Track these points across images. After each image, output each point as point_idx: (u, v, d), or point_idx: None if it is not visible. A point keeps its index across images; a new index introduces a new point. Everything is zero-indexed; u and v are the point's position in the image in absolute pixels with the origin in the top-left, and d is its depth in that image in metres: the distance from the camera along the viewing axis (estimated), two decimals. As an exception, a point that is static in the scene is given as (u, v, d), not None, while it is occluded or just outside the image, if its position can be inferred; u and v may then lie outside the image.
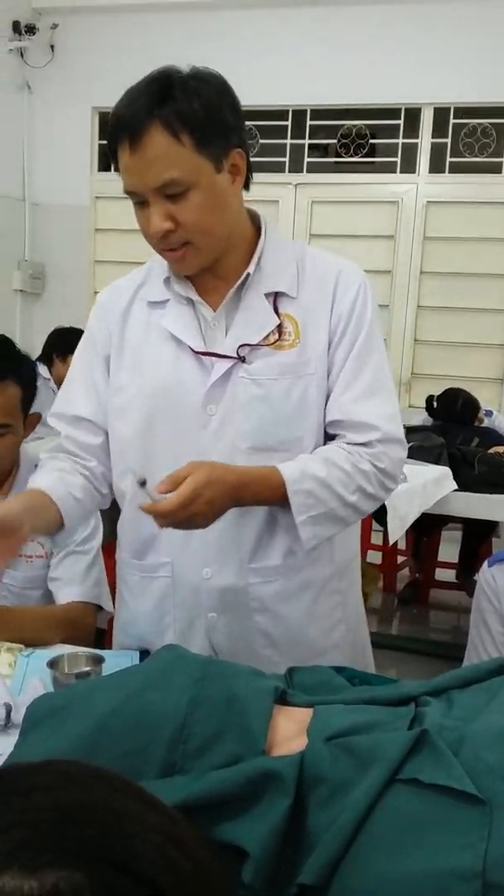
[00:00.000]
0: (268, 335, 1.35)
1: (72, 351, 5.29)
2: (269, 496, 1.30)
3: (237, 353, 1.34)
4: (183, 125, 1.20)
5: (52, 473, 1.41)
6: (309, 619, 1.42)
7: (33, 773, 0.47)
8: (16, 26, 5.26)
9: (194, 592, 1.41)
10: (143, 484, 1.22)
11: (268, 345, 1.34)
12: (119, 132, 1.23)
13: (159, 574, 1.44)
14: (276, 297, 1.36)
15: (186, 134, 1.20)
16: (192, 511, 1.19)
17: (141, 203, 1.28)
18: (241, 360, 1.34)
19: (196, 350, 1.36)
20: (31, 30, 5.30)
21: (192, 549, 1.39)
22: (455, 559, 4.36)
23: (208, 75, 1.27)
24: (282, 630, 1.41)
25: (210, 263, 1.34)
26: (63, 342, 4.40)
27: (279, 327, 1.35)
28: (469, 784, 0.74)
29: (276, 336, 1.35)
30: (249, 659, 1.38)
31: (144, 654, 1.47)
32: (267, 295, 1.36)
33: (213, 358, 1.35)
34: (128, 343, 1.42)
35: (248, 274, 1.35)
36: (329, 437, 1.40)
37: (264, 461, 1.32)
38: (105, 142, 4.86)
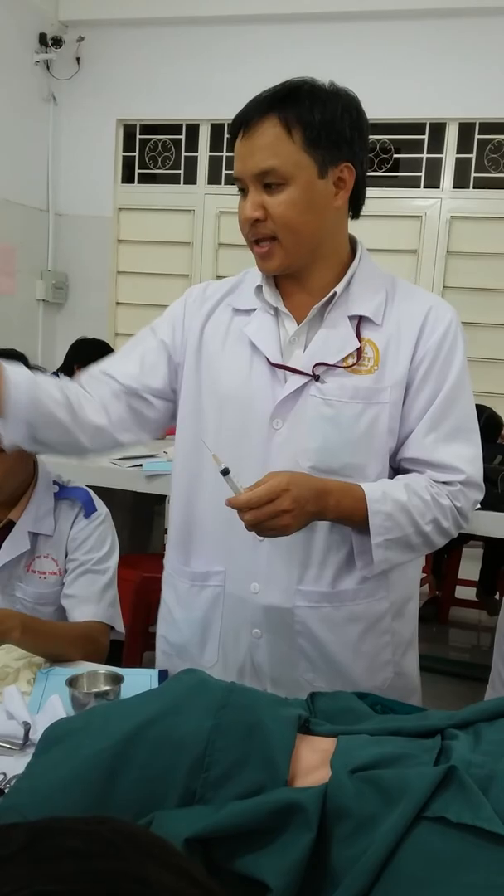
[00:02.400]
0: (346, 357, 1.33)
1: (93, 361, 5.32)
2: (350, 507, 1.27)
3: (312, 370, 1.33)
4: (297, 122, 1.25)
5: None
6: (354, 654, 1.39)
7: (67, 834, 0.45)
8: (42, 39, 5.29)
9: (242, 606, 1.39)
10: (225, 473, 1.21)
11: (344, 367, 1.33)
12: (239, 120, 1.29)
13: (210, 583, 1.43)
14: (360, 321, 1.35)
15: (298, 130, 1.25)
16: (278, 506, 1.18)
17: (244, 192, 1.31)
18: (316, 378, 1.33)
19: (272, 362, 1.35)
20: (57, 42, 5.34)
21: (243, 562, 1.38)
22: (476, 577, 4.32)
23: (342, 90, 1.31)
24: (325, 658, 1.38)
25: (295, 267, 1.35)
26: (85, 353, 4.40)
27: (358, 351, 1.33)
28: (498, 825, 0.72)
29: (355, 359, 1.34)
30: (290, 681, 1.38)
31: (163, 673, 1.46)
32: (351, 318, 1.35)
33: (288, 372, 1.35)
34: (206, 346, 1.43)
35: (335, 293, 1.35)
36: (402, 471, 1.38)
37: None
38: (129, 153, 4.83)
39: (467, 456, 1.36)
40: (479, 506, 1.44)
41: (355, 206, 1.38)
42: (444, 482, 1.34)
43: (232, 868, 0.80)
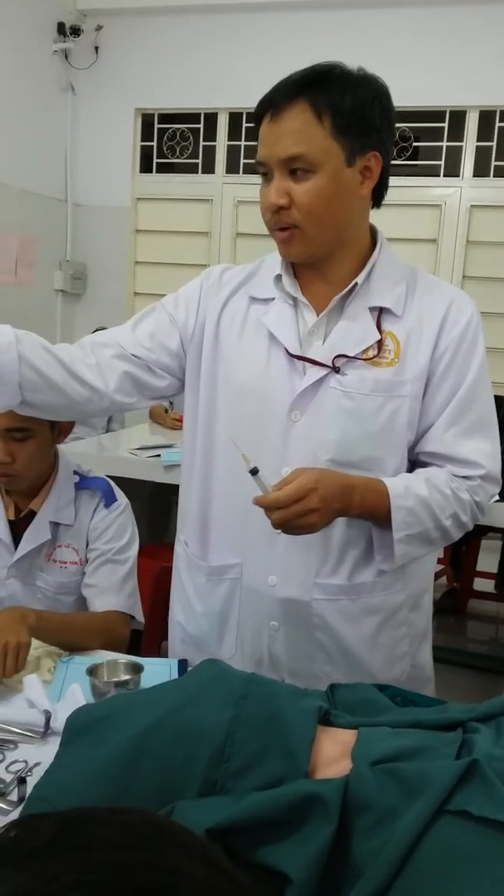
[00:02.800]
0: (366, 349, 1.32)
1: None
2: (373, 503, 1.27)
3: (332, 362, 1.31)
4: (327, 107, 1.22)
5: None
6: (371, 646, 1.39)
7: (97, 824, 0.45)
8: (61, 28, 5.28)
9: (259, 598, 1.39)
10: (255, 472, 1.20)
11: (365, 359, 1.32)
12: (266, 103, 1.26)
13: (227, 576, 1.43)
14: (380, 313, 1.34)
15: (328, 117, 1.22)
16: (306, 505, 1.17)
17: (267, 176, 1.29)
18: (336, 370, 1.31)
19: (291, 353, 1.34)
20: (75, 31, 5.32)
21: (260, 555, 1.38)
22: (494, 569, 4.30)
23: (371, 77, 1.28)
24: (342, 651, 1.38)
25: (317, 256, 1.32)
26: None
27: (379, 343, 1.32)
28: (521, 819, 0.72)
29: (375, 352, 1.32)
30: (308, 673, 1.38)
31: (182, 663, 1.46)
32: (371, 309, 1.33)
33: (307, 364, 1.33)
34: (222, 335, 1.41)
35: (357, 284, 1.33)
36: (420, 465, 1.38)
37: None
38: (147, 143, 4.79)
39: (487, 451, 1.35)
40: (497, 498, 1.43)
41: (377, 196, 1.36)
42: (463, 476, 1.34)
43: (252, 859, 0.81)
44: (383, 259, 1.37)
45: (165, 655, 1.59)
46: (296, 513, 1.18)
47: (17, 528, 1.73)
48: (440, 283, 1.41)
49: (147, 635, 2.79)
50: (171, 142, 5.55)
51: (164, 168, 5.61)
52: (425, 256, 4.92)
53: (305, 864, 0.77)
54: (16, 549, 1.72)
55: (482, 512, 1.37)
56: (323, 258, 1.34)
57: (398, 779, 0.79)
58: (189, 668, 1.43)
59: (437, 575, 4.40)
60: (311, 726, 0.88)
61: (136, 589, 1.75)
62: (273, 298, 1.39)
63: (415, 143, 4.95)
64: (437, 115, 4.91)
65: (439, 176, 4.98)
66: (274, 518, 1.19)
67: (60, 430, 1.74)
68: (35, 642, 1.48)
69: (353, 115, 1.23)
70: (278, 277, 1.39)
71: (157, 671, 1.40)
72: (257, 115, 1.28)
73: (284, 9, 4.93)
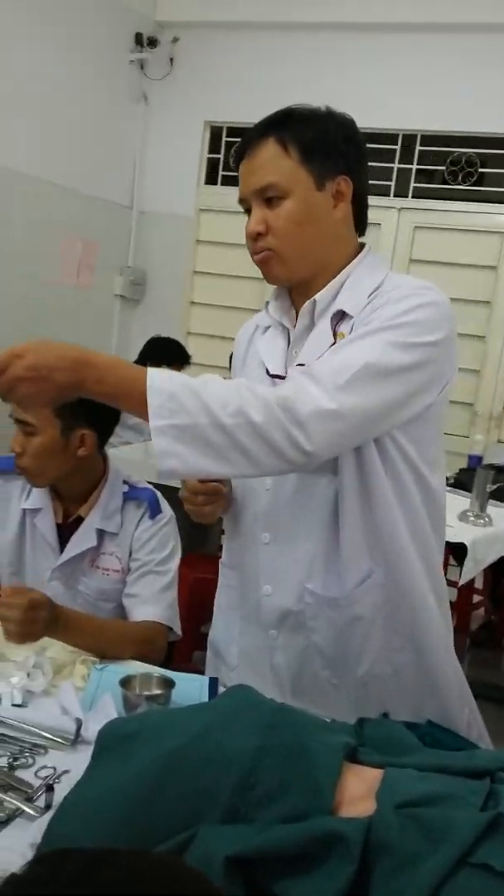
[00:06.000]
0: (322, 355, 1.31)
1: (165, 360, 5.35)
2: (118, 381, 1.12)
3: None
4: (292, 139, 1.31)
5: None
6: (358, 655, 1.36)
7: (114, 868, 0.46)
8: (138, 38, 5.38)
9: (257, 607, 1.42)
10: None
11: None
12: (240, 146, 1.36)
13: (230, 582, 1.49)
14: (340, 318, 1.36)
15: (294, 146, 1.31)
16: (12, 374, 1.07)
17: (248, 212, 1.36)
18: None
19: (269, 373, 1.40)
20: (152, 42, 5.42)
21: (251, 564, 1.42)
22: (534, 602, 4.23)
23: (337, 113, 1.36)
24: (338, 653, 1.37)
25: (296, 278, 1.38)
26: (157, 352, 4.47)
27: (333, 346, 1.33)
28: (543, 878, 0.71)
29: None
30: (308, 679, 1.39)
31: (213, 681, 1.48)
32: (333, 317, 1.36)
33: (279, 381, 1.37)
34: (244, 366, 1.51)
35: (315, 301, 1.36)
36: None
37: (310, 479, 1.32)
38: (214, 155, 4.85)
39: (331, 361, 1.22)
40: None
41: (359, 222, 1.40)
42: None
43: (271, 890, 0.81)
44: (357, 272, 1.37)
45: (197, 664, 1.61)
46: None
47: (64, 533, 1.77)
48: (409, 280, 1.36)
49: (179, 644, 2.81)
50: (238, 155, 5.60)
51: (230, 181, 5.66)
52: (483, 283, 4.88)
53: (324, 901, 0.77)
54: (61, 552, 1.76)
55: (307, 435, 1.14)
56: (308, 281, 1.37)
57: (422, 825, 0.79)
58: (219, 688, 1.44)
59: (475, 607, 4.34)
60: (337, 762, 0.88)
61: (175, 601, 1.77)
62: (270, 325, 1.46)
63: (480, 170, 4.91)
64: (502, 141, 4.88)
65: (502, 203, 4.94)
66: None
67: (82, 440, 1.70)
68: (71, 648, 1.52)
69: (316, 143, 1.31)
70: (267, 304, 1.46)
71: (188, 687, 1.41)
72: (235, 162, 1.36)
73: (355, 30, 4.93)
